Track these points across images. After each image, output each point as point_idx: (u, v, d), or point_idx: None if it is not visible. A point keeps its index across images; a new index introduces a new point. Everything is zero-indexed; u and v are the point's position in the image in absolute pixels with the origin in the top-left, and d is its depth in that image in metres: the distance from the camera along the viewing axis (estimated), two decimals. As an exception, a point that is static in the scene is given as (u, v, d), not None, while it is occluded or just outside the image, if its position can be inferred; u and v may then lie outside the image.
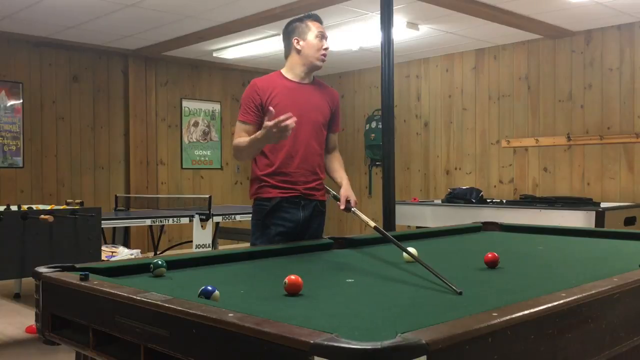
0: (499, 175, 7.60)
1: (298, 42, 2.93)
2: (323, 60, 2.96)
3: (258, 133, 2.65)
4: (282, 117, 2.47)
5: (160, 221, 6.01)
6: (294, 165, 2.88)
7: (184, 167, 8.54)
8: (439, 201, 6.78)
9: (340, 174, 3.04)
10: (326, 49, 2.96)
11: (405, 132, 8.52)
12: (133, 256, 5.00)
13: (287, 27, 3.02)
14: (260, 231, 2.90)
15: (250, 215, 3.03)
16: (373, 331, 1.29)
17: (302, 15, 3.04)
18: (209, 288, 1.61)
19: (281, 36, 3.05)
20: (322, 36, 2.95)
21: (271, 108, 2.59)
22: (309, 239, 2.89)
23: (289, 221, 2.88)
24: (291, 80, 2.94)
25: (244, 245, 3.32)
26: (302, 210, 2.91)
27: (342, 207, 2.85)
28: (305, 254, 2.62)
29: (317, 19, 3.01)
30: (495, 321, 1.28)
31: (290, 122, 2.48)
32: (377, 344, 1.07)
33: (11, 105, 7.20)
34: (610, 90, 6.63)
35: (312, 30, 2.93)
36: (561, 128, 7.01)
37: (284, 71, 2.99)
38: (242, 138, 2.81)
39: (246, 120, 2.87)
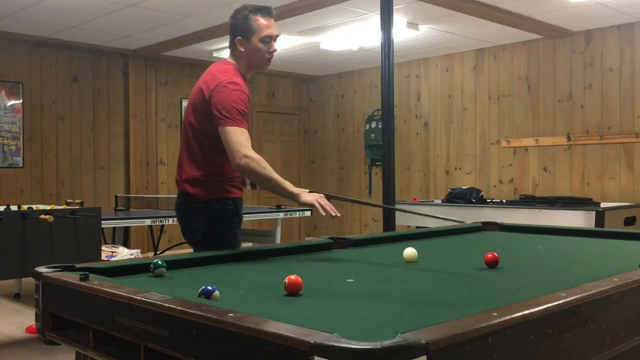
0: (499, 175, 7.60)
1: (241, 44, 2.66)
2: (269, 65, 2.72)
3: (291, 189, 2.47)
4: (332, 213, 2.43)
5: (160, 221, 6.00)
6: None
7: (184, 167, 8.52)
8: (439, 201, 6.78)
9: None
10: (274, 51, 2.67)
11: (405, 132, 8.52)
12: (133, 256, 5.00)
13: (234, 17, 2.68)
14: (228, 233, 2.70)
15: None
16: (373, 331, 1.29)
17: (250, 6, 2.66)
18: (209, 288, 1.60)
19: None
20: (270, 39, 2.65)
21: None
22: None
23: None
24: (245, 79, 2.71)
25: (244, 245, 3.32)
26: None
27: (249, 187, 2.82)
28: (305, 254, 2.62)
29: (267, 13, 2.67)
30: (495, 321, 1.28)
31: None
32: (377, 344, 1.07)
33: (11, 105, 7.19)
34: (610, 90, 6.63)
35: (257, 33, 2.63)
36: (561, 128, 7.01)
37: (238, 66, 2.69)
38: (266, 164, 2.49)
39: (247, 128, 2.56)
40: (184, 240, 2.89)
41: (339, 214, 2.45)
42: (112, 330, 1.60)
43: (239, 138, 2.48)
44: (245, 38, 2.65)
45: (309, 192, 2.52)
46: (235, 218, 2.71)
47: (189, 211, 2.72)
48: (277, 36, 2.70)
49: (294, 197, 2.49)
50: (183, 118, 2.73)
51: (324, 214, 2.43)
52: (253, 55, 2.67)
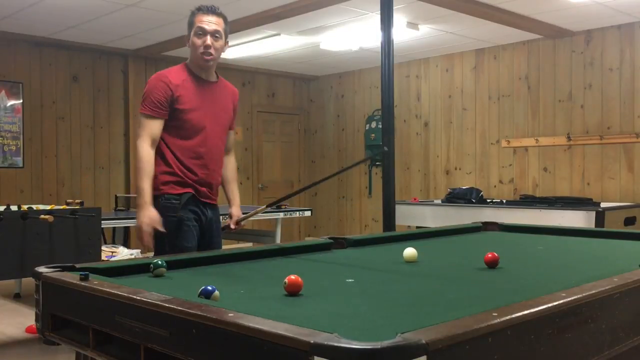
0: (499, 175, 7.60)
1: (186, 41, 2.76)
2: (207, 60, 2.72)
3: (142, 199, 2.60)
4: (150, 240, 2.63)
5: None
6: (203, 167, 2.79)
7: (184, 167, 8.52)
8: (439, 201, 6.78)
9: (232, 187, 2.98)
10: (207, 46, 2.68)
11: (405, 132, 8.52)
12: (133, 256, 5.00)
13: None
14: (173, 228, 2.77)
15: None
16: (373, 331, 1.29)
17: (199, 5, 2.75)
18: (209, 288, 1.60)
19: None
20: (203, 32, 2.69)
21: None
22: (210, 244, 2.86)
23: (196, 220, 2.81)
24: (199, 77, 2.78)
25: (244, 245, 3.32)
26: (208, 210, 2.85)
27: (233, 227, 2.82)
28: (305, 254, 2.62)
29: (206, 11, 2.71)
30: (495, 321, 1.28)
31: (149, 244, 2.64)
32: (377, 344, 1.07)
33: (11, 105, 7.19)
34: (610, 90, 6.63)
35: (194, 27, 2.70)
36: (561, 128, 7.01)
37: (189, 64, 2.79)
38: (148, 151, 2.63)
39: (157, 115, 2.66)
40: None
41: (150, 247, 2.64)
42: (112, 330, 1.60)
43: (140, 125, 2.68)
44: (188, 34, 2.76)
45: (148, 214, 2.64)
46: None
47: None
48: (214, 32, 2.71)
49: (138, 209, 2.64)
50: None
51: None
52: (192, 52, 2.75)
